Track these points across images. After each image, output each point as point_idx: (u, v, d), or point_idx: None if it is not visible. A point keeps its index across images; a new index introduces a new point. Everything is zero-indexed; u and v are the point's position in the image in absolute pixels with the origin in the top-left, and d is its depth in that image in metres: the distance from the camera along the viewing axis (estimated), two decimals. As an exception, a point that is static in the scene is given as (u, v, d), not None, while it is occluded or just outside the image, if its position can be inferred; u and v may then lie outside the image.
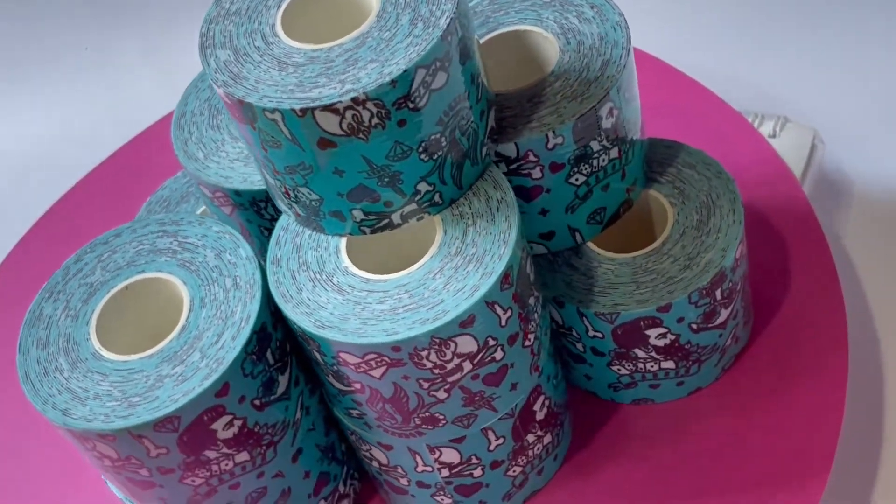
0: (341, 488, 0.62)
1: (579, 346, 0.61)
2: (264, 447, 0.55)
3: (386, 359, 0.51)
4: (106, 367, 0.53)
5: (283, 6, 0.53)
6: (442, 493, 0.59)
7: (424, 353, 0.51)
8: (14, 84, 1.03)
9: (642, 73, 0.63)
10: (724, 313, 0.59)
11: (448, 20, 0.49)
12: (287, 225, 0.56)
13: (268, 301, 0.54)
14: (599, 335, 0.59)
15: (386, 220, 0.53)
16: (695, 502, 0.59)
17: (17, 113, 1.01)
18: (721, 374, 0.63)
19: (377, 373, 0.52)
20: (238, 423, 0.53)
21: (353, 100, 0.48)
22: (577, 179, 0.57)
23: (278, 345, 0.54)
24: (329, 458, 0.61)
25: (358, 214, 0.53)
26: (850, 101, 0.81)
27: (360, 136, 0.49)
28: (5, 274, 0.82)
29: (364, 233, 0.54)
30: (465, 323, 0.50)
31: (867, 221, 0.73)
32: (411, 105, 0.49)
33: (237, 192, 0.58)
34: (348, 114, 0.48)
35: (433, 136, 0.51)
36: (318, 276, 0.53)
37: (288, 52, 0.51)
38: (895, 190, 0.74)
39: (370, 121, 0.49)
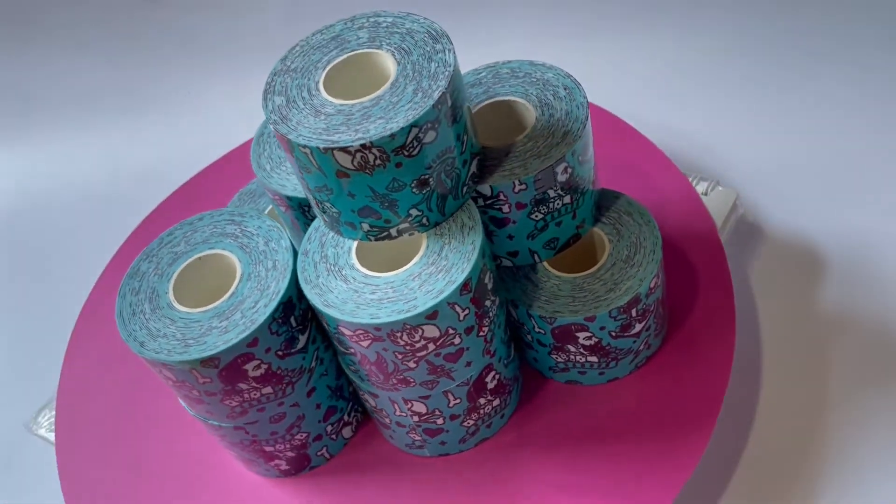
0: (346, 418, 0.67)
1: (528, 337, 0.64)
2: (284, 384, 0.61)
3: (370, 335, 0.55)
4: (175, 315, 0.58)
5: (328, 68, 0.57)
6: (414, 432, 0.64)
7: (398, 335, 0.55)
8: (127, 116, 1.09)
9: (611, 133, 0.67)
10: (638, 326, 0.63)
11: (440, 94, 0.54)
12: (318, 226, 0.60)
13: (295, 281, 0.59)
14: (542, 332, 0.63)
15: (386, 233, 0.58)
16: (601, 447, 0.63)
17: (132, 140, 1.07)
18: (635, 369, 0.66)
19: (364, 344, 0.57)
20: (264, 366, 0.58)
21: (362, 145, 0.52)
22: (536, 216, 0.61)
23: (301, 313, 0.59)
24: (337, 396, 0.65)
25: (366, 226, 0.57)
26: (772, 165, 0.83)
27: (367, 171, 0.53)
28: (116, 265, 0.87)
29: (370, 240, 0.58)
30: (430, 316, 0.54)
31: (771, 262, 0.76)
32: (406, 153, 0.53)
33: (289, 198, 0.63)
34: (358, 155, 0.52)
35: (423, 177, 0.55)
36: (332, 267, 0.58)
37: (323, 103, 0.55)
38: (798, 238, 0.77)
39: (374, 161, 0.53)
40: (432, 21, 0.57)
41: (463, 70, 0.65)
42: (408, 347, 0.56)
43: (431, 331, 0.55)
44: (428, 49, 0.56)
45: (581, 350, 0.63)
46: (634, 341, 0.63)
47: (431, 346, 0.56)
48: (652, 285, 0.61)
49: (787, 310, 0.73)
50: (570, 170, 0.60)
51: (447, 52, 0.55)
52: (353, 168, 0.54)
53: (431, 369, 0.58)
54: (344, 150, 0.52)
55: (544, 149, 0.60)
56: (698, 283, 0.69)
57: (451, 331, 0.56)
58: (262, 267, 0.59)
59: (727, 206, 0.73)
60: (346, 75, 0.57)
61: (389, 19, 0.58)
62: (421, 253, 0.57)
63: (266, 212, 0.71)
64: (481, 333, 0.59)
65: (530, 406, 0.67)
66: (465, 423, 0.63)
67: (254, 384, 0.59)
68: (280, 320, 0.57)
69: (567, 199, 0.61)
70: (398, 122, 0.53)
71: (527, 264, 0.64)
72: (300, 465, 0.66)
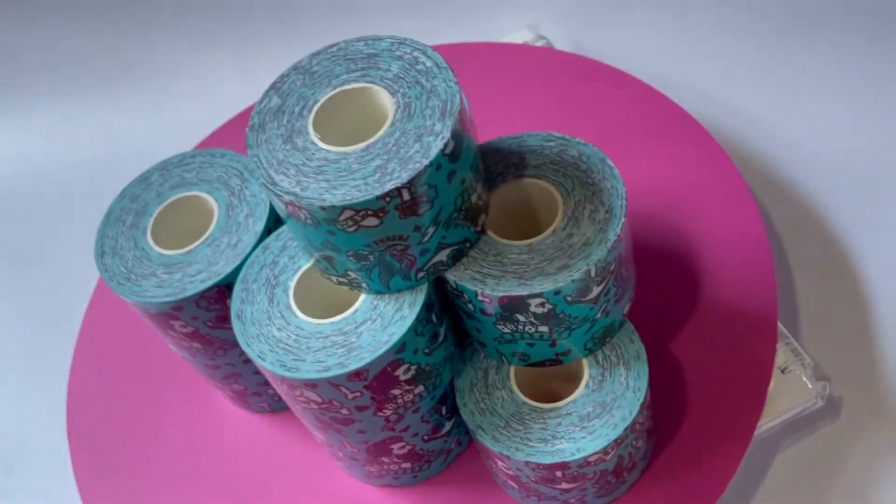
0: None
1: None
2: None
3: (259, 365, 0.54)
4: (156, 256, 0.58)
5: (329, 95, 0.51)
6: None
7: (277, 381, 0.53)
8: (120, 86, 0.99)
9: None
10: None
11: (393, 186, 0.46)
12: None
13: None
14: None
15: (328, 275, 0.53)
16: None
17: (127, 111, 0.98)
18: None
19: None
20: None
21: (290, 201, 0.48)
22: (503, 328, 0.53)
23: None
24: None
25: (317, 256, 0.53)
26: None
27: (299, 222, 0.49)
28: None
29: (318, 270, 0.54)
30: (309, 385, 0.51)
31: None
32: (339, 227, 0.48)
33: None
34: (288, 207, 0.48)
35: (360, 252, 0.50)
36: (272, 279, 0.55)
37: (301, 136, 0.51)
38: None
39: (304, 218, 0.48)
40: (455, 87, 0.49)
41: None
42: (289, 394, 0.53)
43: (312, 395, 0.52)
44: (429, 117, 0.48)
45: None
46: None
47: (314, 406, 0.53)
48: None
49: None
50: (549, 307, 0.51)
51: (440, 137, 0.47)
52: (286, 214, 0.49)
53: (317, 420, 0.55)
54: (276, 195, 0.48)
55: (532, 273, 0.51)
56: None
57: (335, 403, 0.52)
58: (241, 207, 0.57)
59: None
60: (347, 106, 0.51)
61: (429, 63, 0.50)
62: (346, 315, 0.52)
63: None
64: (380, 414, 0.54)
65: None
66: (380, 414, 0.57)
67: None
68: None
69: (544, 329, 0.53)
70: (336, 195, 0.47)
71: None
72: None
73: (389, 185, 0.46)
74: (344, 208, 0.46)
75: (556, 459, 0.53)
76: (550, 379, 0.59)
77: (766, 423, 0.60)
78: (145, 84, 0.97)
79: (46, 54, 0.98)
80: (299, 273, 0.54)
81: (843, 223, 0.73)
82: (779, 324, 0.63)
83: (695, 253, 0.67)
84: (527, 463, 0.54)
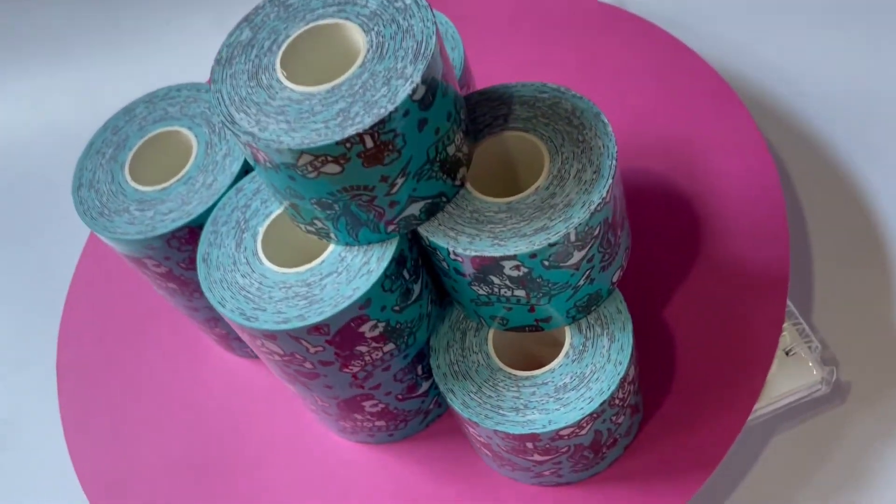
0: None
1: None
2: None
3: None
4: (131, 192, 0.56)
5: (297, 34, 0.48)
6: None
7: (238, 328, 0.51)
8: (104, 51, 0.94)
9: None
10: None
11: (354, 132, 0.43)
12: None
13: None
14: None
15: (297, 222, 0.50)
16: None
17: (111, 76, 0.93)
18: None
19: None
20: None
21: (248, 142, 0.45)
22: (478, 289, 0.50)
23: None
24: None
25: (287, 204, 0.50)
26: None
27: (260, 165, 0.46)
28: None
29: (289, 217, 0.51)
30: (268, 336, 0.49)
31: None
32: (299, 173, 0.45)
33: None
34: (247, 149, 0.45)
35: (324, 200, 0.47)
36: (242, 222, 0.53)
37: (268, 71, 0.47)
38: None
39: (265, 161, 0.45)
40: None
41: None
42: (252, 343, 0.51)
43: (273, 346, 0.50)
44: (401, 59, 0.44)
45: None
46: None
47: (277, 357, 0.51)
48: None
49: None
50: (525, 270, 0.47)
51: (409, 82, 0.43)
52: (249, 155, 0.46)
53: (283, 372, 0.53)
54: (234, 134, 0.45)
55: (510, 233, 0.47)
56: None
57: (297, 356, 0.50)
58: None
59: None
60: (319, 45, 0.48)
61: (408, 1, 0.46)
62: (311, 265, 0.50)
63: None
64: (346, 370, 0.52)
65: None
66: (347, 370, 0.54)
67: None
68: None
69: (521, 294, 0.49)
70: (295, 138, 0.44)
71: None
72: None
73: (350, 131, 0.43)
74: (302, 152, 0.43)
75: (527, 430, 0.50)
76: (533, 343, 0.56)
77: (764, 406, 0.56)
78: (127, 47, 0.93)
79: (22, 18, 0.94)
80: (270, 218, 0.51)
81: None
82: (788, 301, 0.58)
83: (703, 206, 0.63)
84: (496, 432, 0.51)
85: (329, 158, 0.44)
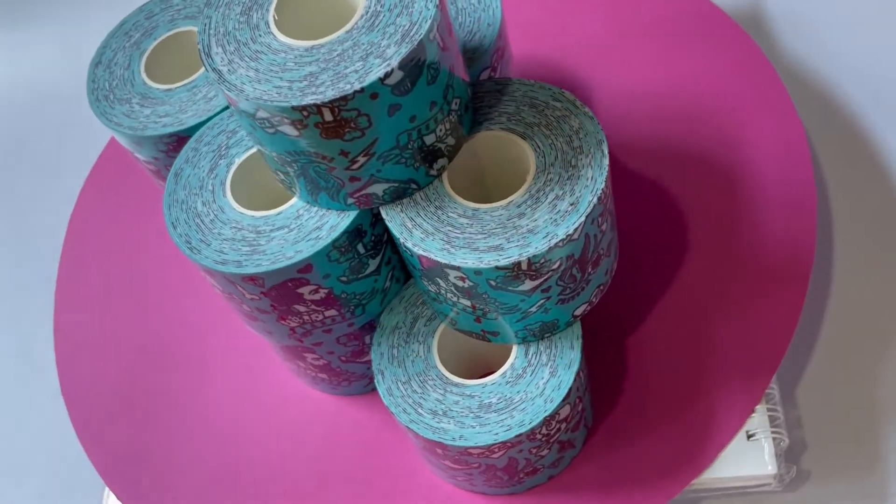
0: None
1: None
2: None
3: None
4: (139, 83, 0.55)
5: None
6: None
7: None
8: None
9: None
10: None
11: (314, 101, 0.40)
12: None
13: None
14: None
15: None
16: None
17: (89, 28, 0.85)
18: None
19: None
20: None
21: (217, 79, 0.43)
22: (426, 284, 0.48)
23: None
24: None
25: None
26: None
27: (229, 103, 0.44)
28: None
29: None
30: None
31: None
32: (259, 125, 0.42)
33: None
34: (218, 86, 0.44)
35: (282, 157, 0.44)
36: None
37: (255, 22, 0.45)
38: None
39: (232, 103, 0.43)
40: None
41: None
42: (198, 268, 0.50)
43: (213, 281, 0.49)
44: (388, 36, 0.41)
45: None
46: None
47: (219, 290, 0.50)
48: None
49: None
50: (469, 284, 0.45)
51: (385, 64, 0.40)
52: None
53: (228, 303, 0.52)
54: (205, 66, 0.43)
55: (465, 240, 0.44)
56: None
57: (235, 297, 0.49)
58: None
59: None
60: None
61: None
62: (267, 213, 0.48)
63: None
64: (283, 323, 0.50)
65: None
66: (285, 323, 0.52)
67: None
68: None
69: (466, 303, 0.47)
70: (256, 90, 0.41)
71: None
72: None
73: (309, 99, 0.40)
74: (259, 107, 0.41)
75: (436, 438, 0.48)
76: (485, 346, 0.53)
77: (702, 484, 0.52)
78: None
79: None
80: (250, 152, 0.50)
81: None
82: (773, 383, 0.54)
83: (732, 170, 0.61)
84: (408, 428, 0.49)
85: (286, 120, 0.41)
